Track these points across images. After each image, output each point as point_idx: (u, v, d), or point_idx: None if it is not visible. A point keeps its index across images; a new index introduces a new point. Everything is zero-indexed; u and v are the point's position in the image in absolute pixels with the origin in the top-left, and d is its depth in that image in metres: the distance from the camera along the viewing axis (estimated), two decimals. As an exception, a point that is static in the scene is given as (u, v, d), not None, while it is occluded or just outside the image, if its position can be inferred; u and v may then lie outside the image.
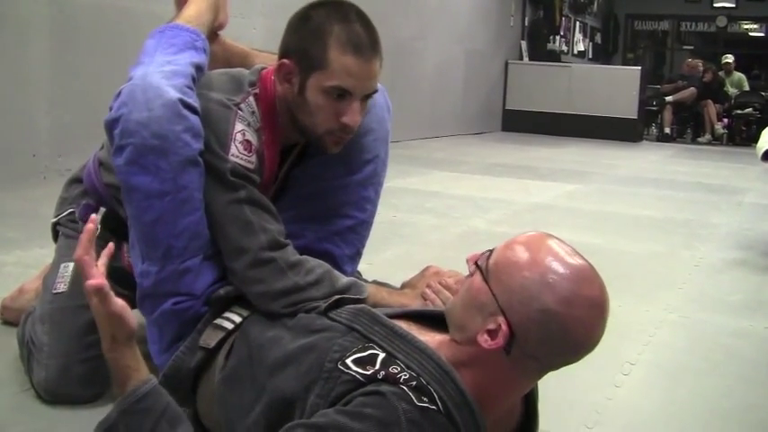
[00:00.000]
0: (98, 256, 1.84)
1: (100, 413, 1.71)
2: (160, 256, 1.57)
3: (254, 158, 1.63)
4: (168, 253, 1.56)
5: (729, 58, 12.82)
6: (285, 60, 1.64)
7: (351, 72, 1.59)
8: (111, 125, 1.56)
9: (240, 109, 1.64)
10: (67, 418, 1.72)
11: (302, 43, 1.61)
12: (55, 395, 1.76)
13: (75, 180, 1.98)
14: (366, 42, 1.60)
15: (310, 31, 1.61)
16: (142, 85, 1.54)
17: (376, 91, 1.68)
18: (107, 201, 1.87)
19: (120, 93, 1.57)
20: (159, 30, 1.73)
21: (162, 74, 1.57)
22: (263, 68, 1.75)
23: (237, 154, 1.60)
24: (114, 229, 1.84)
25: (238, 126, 1.62)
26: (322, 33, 1.59)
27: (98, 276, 1.32)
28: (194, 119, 1.55)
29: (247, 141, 1.63)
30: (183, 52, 1.67)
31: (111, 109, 1.57)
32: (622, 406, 2.01)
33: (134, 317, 1.37)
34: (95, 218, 1.39)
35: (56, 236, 1.99)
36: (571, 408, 1.94)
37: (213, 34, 1.91)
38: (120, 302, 1.33)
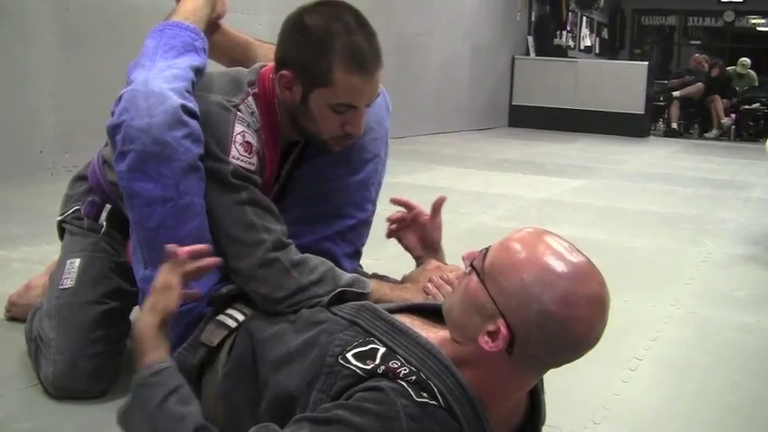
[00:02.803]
0: (105, 252, 1.86)
1: (107, 408, 1.73)
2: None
3: (254, 159, 1.63)
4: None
5: (743, 71, 12.61)
6: (285, 72, 1.62)
7: (356, 90, 1.59)
8: (113, 131, 1.56)
9: (239, 110, 1.63)
10: (75, 413, 1.72)
11: (303, 57, 1.59)
12: (62, 390, 1.76)
13: (80, 177, 1.99)
14: (369, 57, 1.59)
15: (311, 45, 1.58)
16: (144, 92, 1.54)
17: (378, 95, 1.68)
18: (112, 198, 1.87)
19: (120, 97, 1.57)
20: (159, 28, 1.72)
21: (163, 79, 1.57)
22: (262, 66, 1.74)
23: (238, 156, 1.60)
24: (120, 227, 1.85)
25: (238, 128, 1.61)
26: (324, 49, 1.56)
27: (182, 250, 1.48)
28: (194, 124, 1.55)
29: (248, 143, 1.62)
30: (183, 56, 1.66)
31: (112, 113, 1.57)
32: (630, 401, 2.01)
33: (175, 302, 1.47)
34: None
35: (62, 233, 1.99)
36: (578, 403, 1.94)
37: (214, 24, 1.91)
38: (177, 282, 1.46)
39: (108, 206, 1.89)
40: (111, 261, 1.86)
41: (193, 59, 1.67)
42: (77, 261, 1.86)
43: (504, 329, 1.21)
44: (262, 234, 1.58)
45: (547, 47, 12.71)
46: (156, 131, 1.51)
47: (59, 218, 1.98)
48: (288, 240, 1.62)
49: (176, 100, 1.53)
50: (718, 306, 2.94)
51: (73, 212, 1.94)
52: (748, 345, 2.51)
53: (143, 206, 1.55)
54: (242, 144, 1.61)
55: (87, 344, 1.77)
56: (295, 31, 1.62)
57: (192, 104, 1.57)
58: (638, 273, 3.32)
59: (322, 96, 1.60)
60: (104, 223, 1.89)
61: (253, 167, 1.62)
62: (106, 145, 1.91)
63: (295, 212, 1.74)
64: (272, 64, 1.71)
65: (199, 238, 1.57)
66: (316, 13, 1.61)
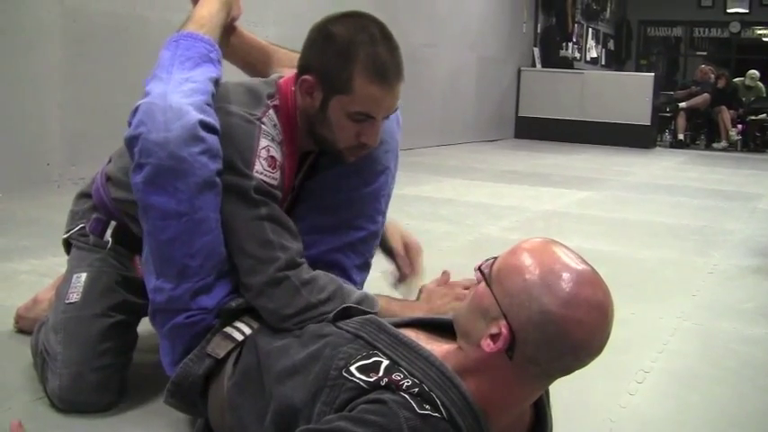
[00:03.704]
0: (112, 267, 1.87)
1: (114, 421, 1.73)
2: (175, 274, 1.57)
3: (277, 174, 1.63)
4: (183, 272, 1.56)
5: (752, 83, 12.61)
6: (307, 77, 1.63)
7: (376, 100, 1.60)
8: (130, 142, 1.56)
9: (263, 123, 1.63)
10: (81, 426, 1.72)
11: (326, 63, 1.61)
12: (69, 404, 1.76)
13: (84, 194, 1.98)
14: (391, 68, 1.60)
15: (334, 52, 1.60)
16: (162, 106, 1.53)
17: (396, 109, 1.69)
18: (116, 215, 1.87)
19: (137, 109, 1.56)
20: (174, 39, 1.72)
21: (182, 93, 1.56)
22: (279, 77, 1.75)
23: (262, 171, 1.60)
24: (125, 243, 1.85)
25: (263, 142, 1.61)
26: (347, 58, 1.58)
27: None
28: (212, 139, 1.54)
29: (272, 157, 1.62)
30: (200, 66, 1.66)
31: (129, 124, 1.57)
32: (636, 414, 2.00)
33: None
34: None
35: (68, 248, 1.99)
36: (585, 416, 1.93)
37: (230, 27, 1.91)
38: None
39: (113, 223, 1.89)
40: (118, 275, 1.87)
41: (210, 71, 1.67)
42: (84, 275, 1.86)
43: (504, 331, 1.22)
44: (277, 252, 1.58)
45: (553, 58, 12.72)
46: (173, 146, 1.50)
47: (65, 235, 1.98)
48: (301, 260, 1.62)
49: (195, 115, 1.53)
50: (724, 318, 2.92)
51: (78, 230, 1.94)
52: (755, 357, 2.50)
53: (157, 219, 1.55)
54: (266, 159, 1.61)
55: (94, 357, 1.77)
56: (320, 38, 1.64)
57: (212, 119, 1.56)
58: (644, 284, 3.31)
59: (341, 103, 1.61)
60: (110, 239, 1.89)
61: (275, 182, 1.62)
62: (109, 161, 1.92)
63: (306, 222, 1.74)
64: (289, 75, 1.71)
65: (211, 253, 1.58)
66: (341, 22, 1.64)
